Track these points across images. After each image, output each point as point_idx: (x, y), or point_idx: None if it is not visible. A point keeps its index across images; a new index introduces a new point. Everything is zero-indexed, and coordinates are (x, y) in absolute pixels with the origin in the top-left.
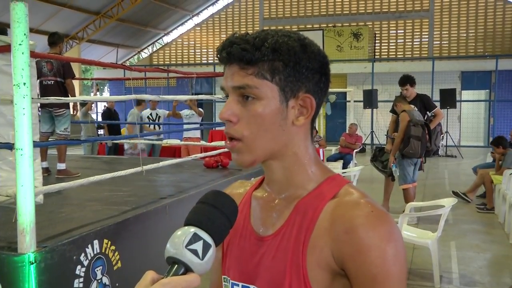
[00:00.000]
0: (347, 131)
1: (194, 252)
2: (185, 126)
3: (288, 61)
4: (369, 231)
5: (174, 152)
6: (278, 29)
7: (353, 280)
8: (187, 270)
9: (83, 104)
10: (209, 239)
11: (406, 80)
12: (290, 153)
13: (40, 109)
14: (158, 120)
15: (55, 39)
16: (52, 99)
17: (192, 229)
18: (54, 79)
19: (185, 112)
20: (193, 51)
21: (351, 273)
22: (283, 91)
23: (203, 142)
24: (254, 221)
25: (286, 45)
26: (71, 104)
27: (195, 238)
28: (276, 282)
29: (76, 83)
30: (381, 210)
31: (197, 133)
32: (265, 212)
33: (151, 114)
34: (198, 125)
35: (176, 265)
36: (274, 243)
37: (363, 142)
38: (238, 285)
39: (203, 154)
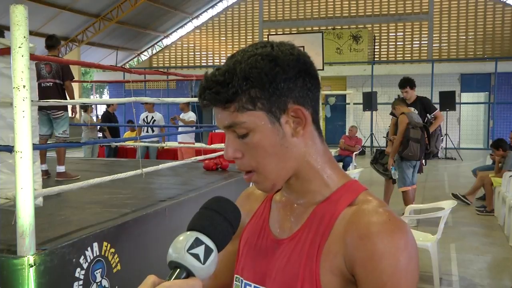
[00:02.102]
0: (346, 134)
1: (196, 256)
2: (180, 130)
3: (263, 84)
4: (384, 238)
5: (173, 155)
6: (246, 49)
7: (361, 287)
8: (189, 274)
9: (84, 107)
10: (211, 244)
11: (406, 83)
12: (303, 163)
13: (38, 111)
14: (153, 124)
15: (53, 42)
16: (51, 102)
17: (194, 234)
18: (53, 81)
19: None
20: (192, 53)
21: (361, 279)
22: (270, 113)
23: (202, 145)
24: (272, 224)
25: (256, 68)
26: (69, 106)
27: (197, 242)
28: (289, 285)
29: (75, 85)
30: (398, 219)
31: (191, 138)
32: (283, 216)
33: (146, 117)
34: (193, 129)
35: (178, 269)
36: (290, 246)
37: (362, 144)
38: (250, 285)
39: (202, 157)
